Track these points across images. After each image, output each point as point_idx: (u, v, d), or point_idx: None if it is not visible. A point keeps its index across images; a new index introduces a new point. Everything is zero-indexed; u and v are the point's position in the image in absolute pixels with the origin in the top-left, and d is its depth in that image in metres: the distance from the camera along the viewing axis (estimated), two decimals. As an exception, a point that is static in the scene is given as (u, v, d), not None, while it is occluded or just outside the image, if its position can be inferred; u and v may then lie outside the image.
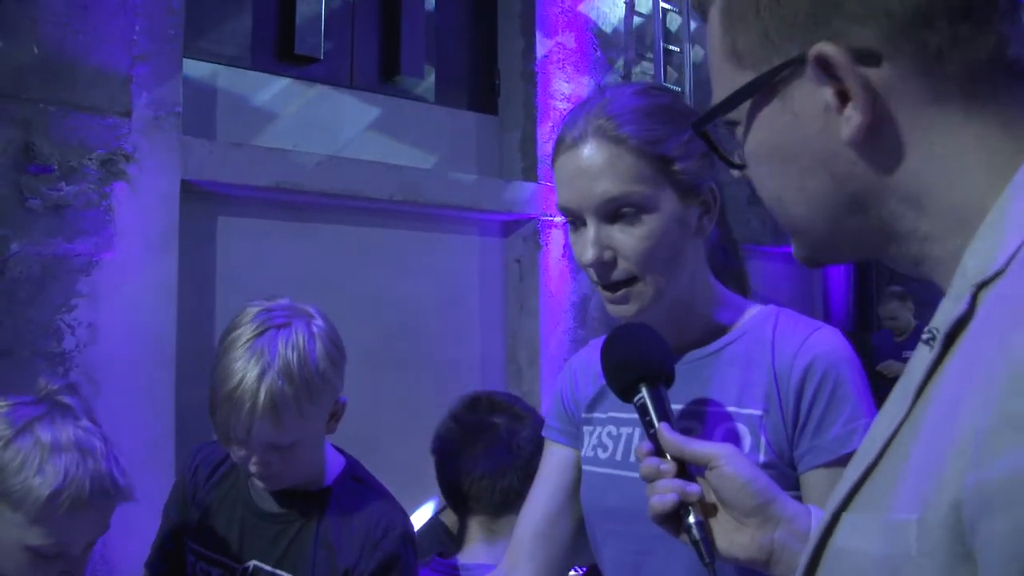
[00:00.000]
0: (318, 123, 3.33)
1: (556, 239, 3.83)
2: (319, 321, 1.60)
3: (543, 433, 1.53)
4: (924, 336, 0.69)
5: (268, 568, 1.65)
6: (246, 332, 1.55)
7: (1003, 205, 0.66)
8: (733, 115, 0.78)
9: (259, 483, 1.64)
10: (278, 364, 1.50)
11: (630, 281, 1.25)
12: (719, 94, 0.79)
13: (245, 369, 1.50)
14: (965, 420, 0.59)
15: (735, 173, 0.85)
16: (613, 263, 1.25)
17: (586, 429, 1.43)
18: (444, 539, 2.61)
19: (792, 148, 0.74)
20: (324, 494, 1.69)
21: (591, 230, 1.24)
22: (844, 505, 0.72)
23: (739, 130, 0.79)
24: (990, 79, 0.70)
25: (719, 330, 1.33)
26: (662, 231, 1.24)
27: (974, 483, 0.57)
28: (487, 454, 1.76)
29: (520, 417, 1.81)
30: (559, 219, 3.84)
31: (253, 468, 1.57)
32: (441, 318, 3.58)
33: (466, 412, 1.82)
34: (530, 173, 3.80)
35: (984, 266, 0.65)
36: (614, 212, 1.24)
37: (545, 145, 3.82)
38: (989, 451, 0.56)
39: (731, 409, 1.26)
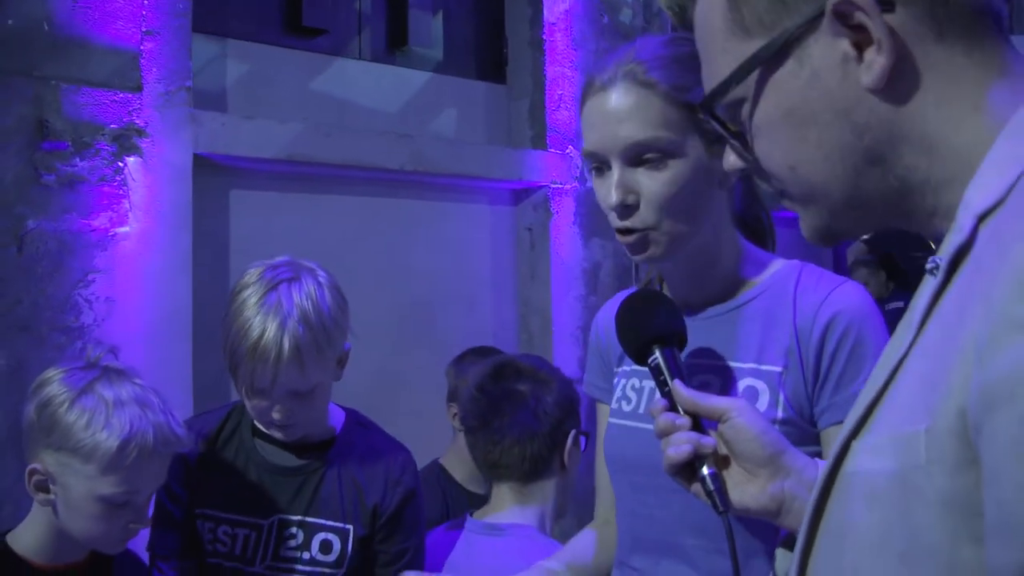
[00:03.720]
0: (327, 94, 3.34)
1: (567, 207, 3.84)
2: (322, 273, 1.74)
3: (587, 391, 1.57)
4: (928, 266, 0.72)
5: (296, 518, 1.73)
6: (258, 289, 1.66)
7: (1002, 143, 0.69)
8: (739, 92, 0.80)
9: (278, 434, 1.74)
10: (297, 313, 1.61)
11: (649, 228, 1.27)
12: (723, 72, 0.80)
13: (265, 322, 1.60)
14: (968, 330, 0.61)
15: (731, 162, 0.86)
16: (635, 207, 1.27)
17: (615, 382, 1.47)
18: (444, 483, 2.65)
19: (810, 107, 0.76)
20: (336, 442, 1.80)
21: (616, 173, 1.27)
22: (855, 433, 0.74)
23: (745, 108, 0.81)
24: (986, 23, 0.73)
25: (741, 285, 1.35)
26: (686, 178, 1.26)
27: (978, 386, 0.59)
28: (514, 423, 1.78)
29: (545, 382, 1.84)
30: (569, 186, 3.85)
31: (276, 417, 1.67)
32: (452, 287, 3.61)
33: (491, 382, 1.85)
34: (539, 141, 3.81)
35: (984, 198, 0.67)
36: (639, 156, 1.26)
37: (554, 113, 3.82)
38: (991, 352, 0.58)
39: (750, 365, 1.29)
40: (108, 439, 1.43)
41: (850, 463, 0.74)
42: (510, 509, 1.82)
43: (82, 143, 2.62)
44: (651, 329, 1.20)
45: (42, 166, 2.56)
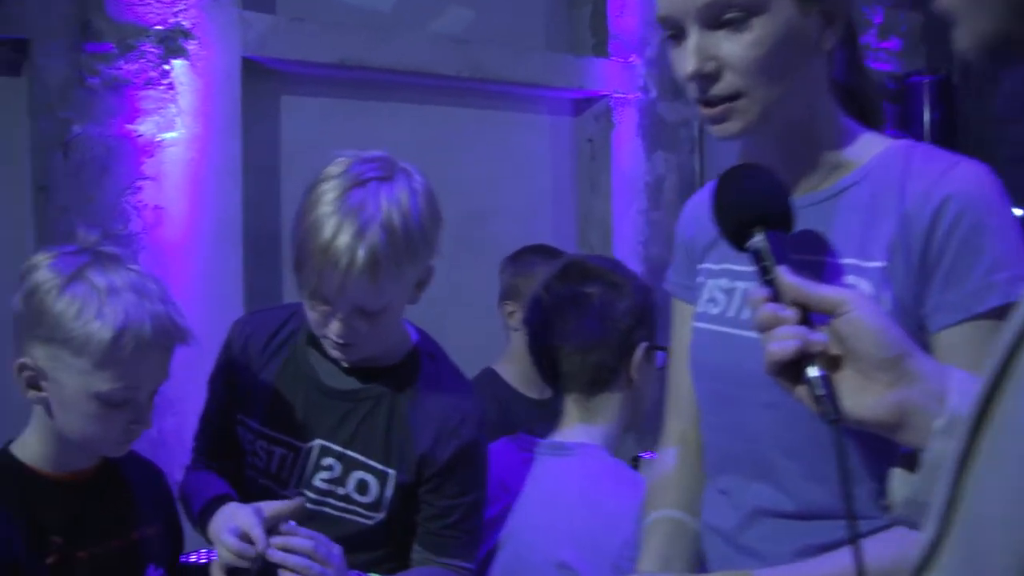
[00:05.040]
0: (381, -3, 3.21)
1: (629, 118, 3.69)
2: (418, 177, 1.50)
3: (668, 289, 1.41)
4: None
5: (337, 448, 1.55)
6: (342, 182, 1.43)
7: None
8: None
9: (334, 352, 1.53)
10: (381, 218, 1.40)
11: (733, 96, 1.10)
12: None
13: (342, 222, 1.38)
14: None
15: None
16: (716, 76, 1.09)
17: (699, 281, 1.31)
18: (498, 389, 2.52)
19: None
20: (397, 372, 1.59)
21: (692, 38, 1.09)
22: None
23: None
24: None
25: (841, 168, 1.17)
26: (773, 39, 1.08)
27: None
28: (578, 328, 1.61)
29: (617, 286, 1.64)
30: (632, 96, 3.70)
31: (334, 333, 1.47)
32: (510, 199, 3.50)
33: (558, 282, 1.66)
34: (601, 48, 3.64)
35: None
36: (717, 17, 1.08)
37: (617, 19, 3.65)
38: None
39: (851, 261, 1.12)
40: (101, 329, 1.29)
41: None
42: (575, 426, 1.66)
43: (127, 45, 2.53)
44: (754, 207, 1.02)
45: (86, 69, 2.48)
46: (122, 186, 2.51)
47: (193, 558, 2.04)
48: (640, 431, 1.75)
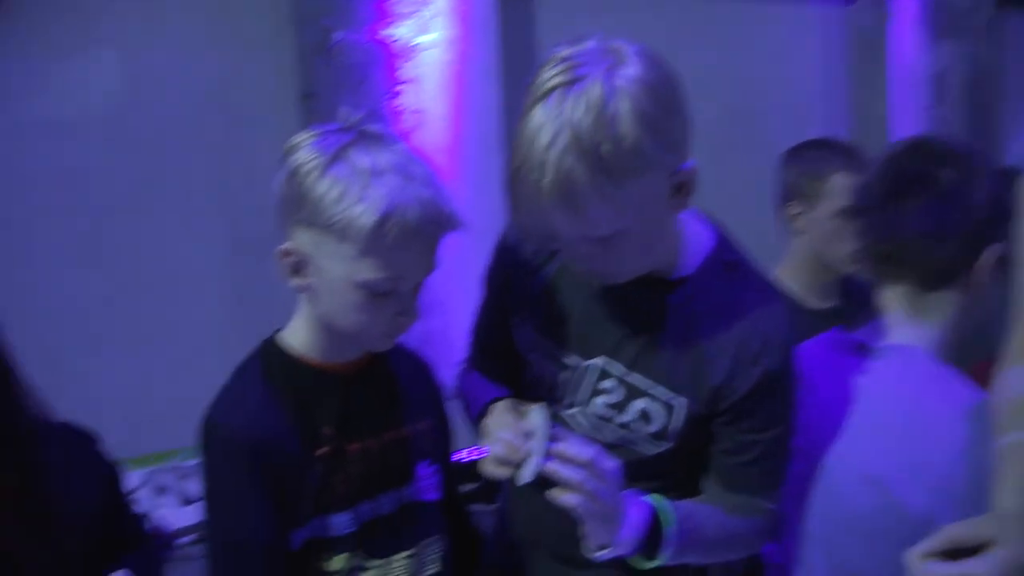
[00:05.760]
0: None
1: (908, 4, 3.38)
2: (631, 68, 1.17)
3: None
4: None
5: (618, 370, 1.40)
6: (538, 89, 1.18)
7: None
8: None
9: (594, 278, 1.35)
10: (566, 136, 1.14)
11: None
12: None
13: (531, 140, 1.16)
14: None
15: None
16: None
17: None
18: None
19: None
20: (688, 285, 1.37)
21: None
22: None
23: None
24: None
25: None
26: None
27: None
28: (927, 210, 1.39)
29: (976, 172, 1.40)
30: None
31: (576, 264, 1.30)
32: (777, 98, 3.30)
33: (907, 158, 1.45)
34: (876, -72, 3.36)
35: None
36: None
37: None
38: None
39: None
40: (363, 214, 1.20)
41: None
42: (900, 326, 1.44)
43: (382, -52, 2.53)
44: None
45: (345, -26, 2.49)
46: (383, 90, 2.53)
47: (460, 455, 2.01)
48: (964, 339, 1.51)
